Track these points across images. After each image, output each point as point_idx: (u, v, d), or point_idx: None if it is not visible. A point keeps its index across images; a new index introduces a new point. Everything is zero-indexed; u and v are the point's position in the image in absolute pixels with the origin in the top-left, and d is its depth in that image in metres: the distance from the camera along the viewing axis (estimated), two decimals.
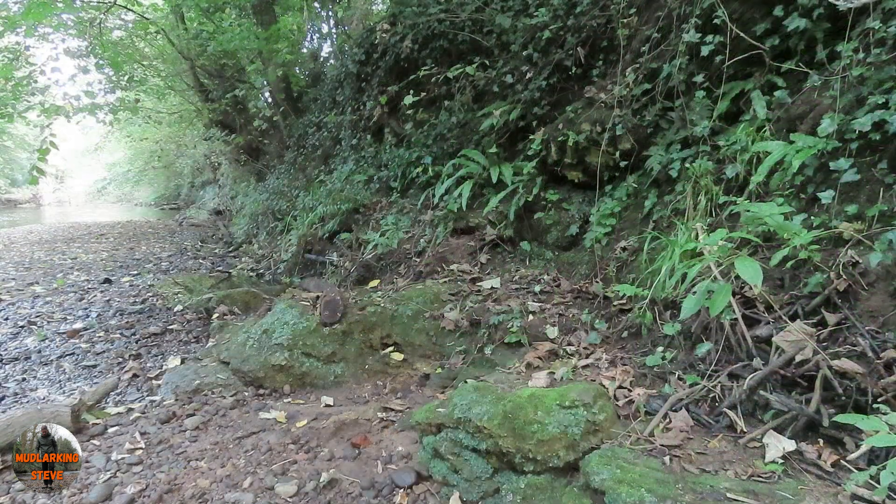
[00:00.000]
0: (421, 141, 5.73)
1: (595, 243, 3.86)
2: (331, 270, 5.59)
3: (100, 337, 4.35)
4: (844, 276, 2.21)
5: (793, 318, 2.25)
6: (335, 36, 11.23)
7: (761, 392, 2.06)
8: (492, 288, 3.83)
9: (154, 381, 3.48)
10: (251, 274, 6.99)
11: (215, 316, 4.57)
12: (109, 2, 8.95)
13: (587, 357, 2.83)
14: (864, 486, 1.54)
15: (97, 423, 2.77)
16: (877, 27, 2.53)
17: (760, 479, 1.70)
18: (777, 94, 3.03)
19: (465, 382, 2.47)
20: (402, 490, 2.18)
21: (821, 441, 1.86)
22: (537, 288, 3.73)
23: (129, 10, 10.57)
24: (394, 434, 2.63)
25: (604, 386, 2.38)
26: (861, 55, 2.60)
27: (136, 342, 4.26)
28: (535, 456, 1.97)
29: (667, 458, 1.83)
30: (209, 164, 16.96)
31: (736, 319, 2.34)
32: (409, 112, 5.98)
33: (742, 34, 3.18)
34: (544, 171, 4.47)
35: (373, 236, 5.24)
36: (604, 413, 2.06)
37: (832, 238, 2.39)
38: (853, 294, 2.19)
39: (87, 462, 2.40)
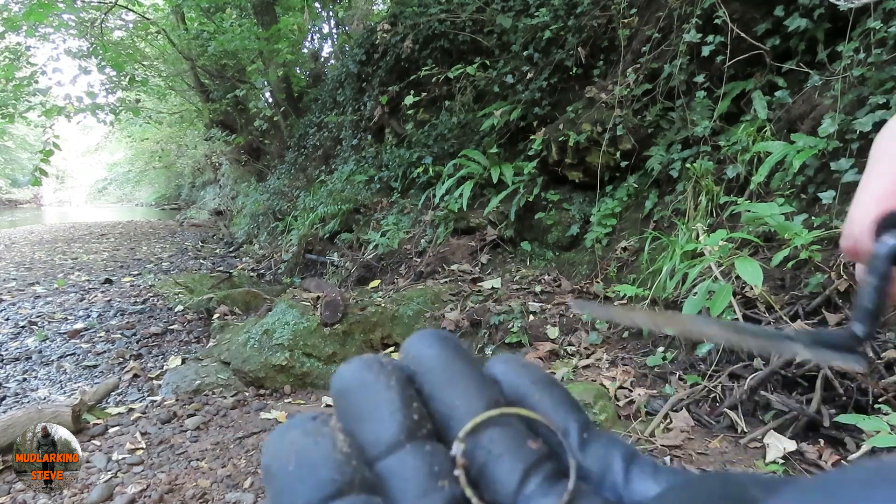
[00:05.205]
0: (421, 141, 5.73)
1: (596, 243, 3.86)
2: (331, 271, 5.59)
3: (100, 337, 4.35)
4: (845, 277, 2.21)
5: (793, 318, 2.25)
6: (336, 36, 11.25)
7: (762, 392, 2.06)
8: (492, 288, 3.83)
9: (155, 382, 3.47)
10: (252, 274, 6.99)
11: (216, 316, 4.57)
12: (110, 2, 8.96)
13: (588, 357, 2.83)
14: None
15: (98, 424, 2.77)
16: (877, 27, 2.53)
17: None
18: (778, 94, 3.03)
19: None
20: None
21: (822, 441, 1.86)
22: (538, 288, 3.73)
23: (130, 10, 10.58)
24: None
25: (604, 386, 2.38)
26: (862, 55, 2.60)
27: (137, 342, 4.26)
28: None
29: (667, 459, 1.83)
30: (210, 164, 16.97)
31: (737, 320, 2.34)
32: (410, 112, 5.99)
33: (743, 34, 3.18)
34: (545, 171, 4.47)
35: (373, 236, 5.24)
36: (604, 413, 2.06)
37: (833, 238, 2.39)
38: (854, 294, 2.19)
39: (88, 462, 2.40)
